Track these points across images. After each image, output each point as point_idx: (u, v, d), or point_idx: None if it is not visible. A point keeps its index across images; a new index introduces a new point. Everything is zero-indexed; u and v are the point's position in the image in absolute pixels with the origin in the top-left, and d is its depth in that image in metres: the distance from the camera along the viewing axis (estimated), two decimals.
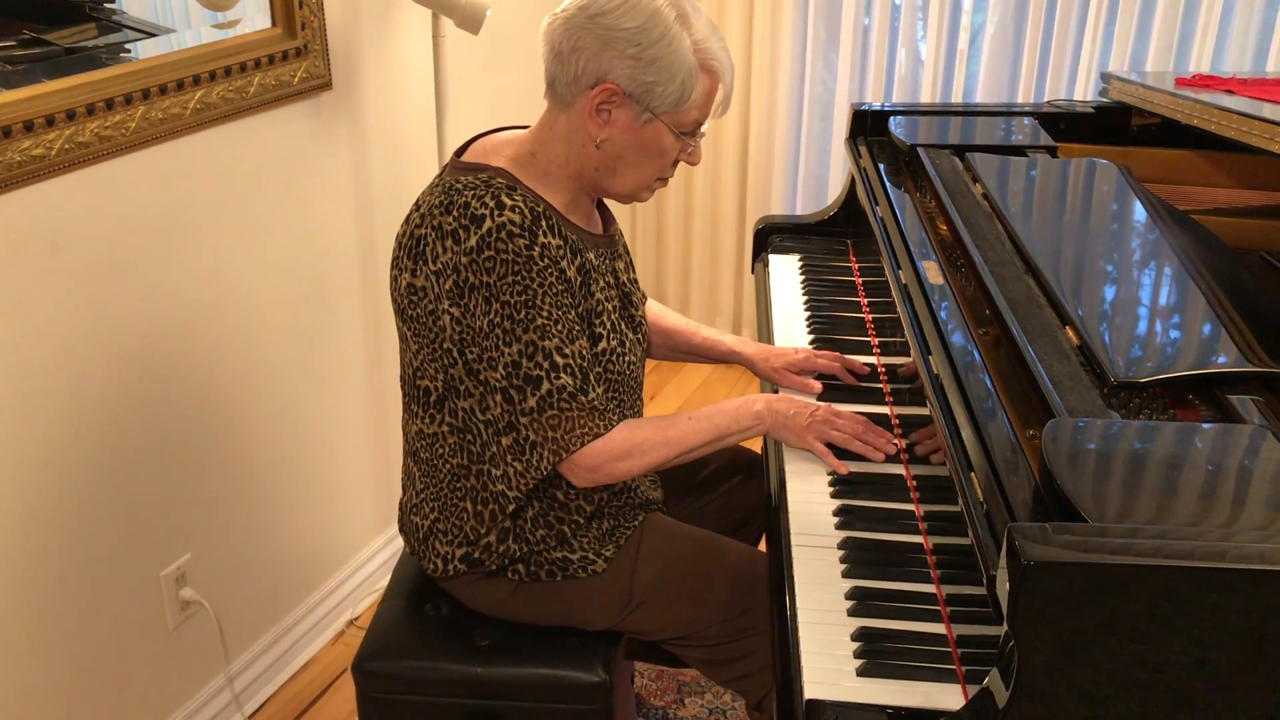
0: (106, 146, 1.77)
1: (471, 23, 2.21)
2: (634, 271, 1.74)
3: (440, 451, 1.60)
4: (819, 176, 3.51)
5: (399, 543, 2.71)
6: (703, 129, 1.57)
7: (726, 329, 3.72)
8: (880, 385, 1.79)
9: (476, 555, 1.62)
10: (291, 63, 2.10)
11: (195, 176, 1.97)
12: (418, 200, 1.56)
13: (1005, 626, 1.01)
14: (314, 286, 2.31)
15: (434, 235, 1.48)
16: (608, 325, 1.58)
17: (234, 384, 2.15)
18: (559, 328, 1.47)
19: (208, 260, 2.03)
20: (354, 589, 2.59)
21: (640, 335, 1.70)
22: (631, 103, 1.48)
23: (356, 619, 2.57)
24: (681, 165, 1.63)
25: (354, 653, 2.42)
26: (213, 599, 2.16)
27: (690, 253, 3.68)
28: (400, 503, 1.73)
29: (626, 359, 1.63)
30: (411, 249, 1.51)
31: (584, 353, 1.50)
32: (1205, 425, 1.20)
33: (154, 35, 1.88)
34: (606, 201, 1.69)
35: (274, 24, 2.07)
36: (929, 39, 3.18)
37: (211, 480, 2.13)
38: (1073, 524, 1.02)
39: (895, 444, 1.60)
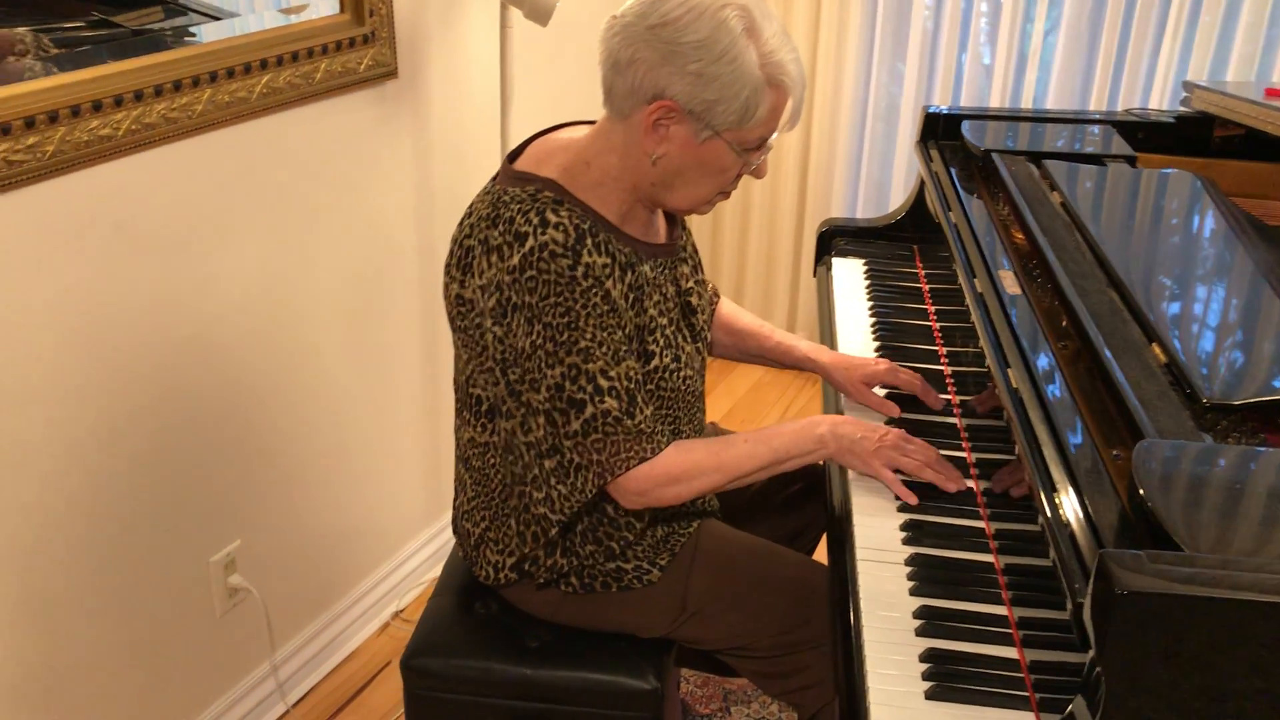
0: (173, 129, 1.76)
1: (541, 14, 2.18)
2: (701, 273, 1.69)
3: (492, 461, 1.57)
4: (881, 183, 3.45)
5: (446, 536, 2.69)
6: (768, 143, 1.49)
7: None
8: (955, 421, 1.72)
9: (527, 567, 1.59)
10: (358, 49, 2.08)
11: (259, 161, 1.96)
12: (471, 205, 1.51)
13: (1092, 654, 0.96)
14: (372, 274, 2.29)
15: (480, 249, 1.44)
16: (661, 342, 1.52)
17: (289, 371, 2.13)
18: (603, 350, 1.41)
19: (268, 245, 2.02)
20: (400, 581, 2.58)
21: (701, 344, 1.65)
22: (691, 119, 1.40)
23: (402, 611, 2.56)
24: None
25: (399, 645, 2.42)
26: (261, 586, 2.15)
27: (746, 254, 3.64)
28: (453, 504, 1.70)
29: (683, 374, 1.57)
30: (461, 259, 1.47)
31: (631, 374, 1.44)
32: None
33: (218, 19, 1.86)
34: None
35: (342, 10, 2.05)
36: (999, 44, 3.11)
37: (263, 467, 2.12)
38: (1168, 553, 0.97)
39: (968, 484, 1.52)
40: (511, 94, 2.37)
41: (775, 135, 1.48)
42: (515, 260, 1.40)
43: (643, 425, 1.44)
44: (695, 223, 3.68)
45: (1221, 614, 0.93)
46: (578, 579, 1.59)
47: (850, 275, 2.20)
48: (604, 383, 1.41)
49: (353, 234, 2.22)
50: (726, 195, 1.54)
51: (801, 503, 1.87)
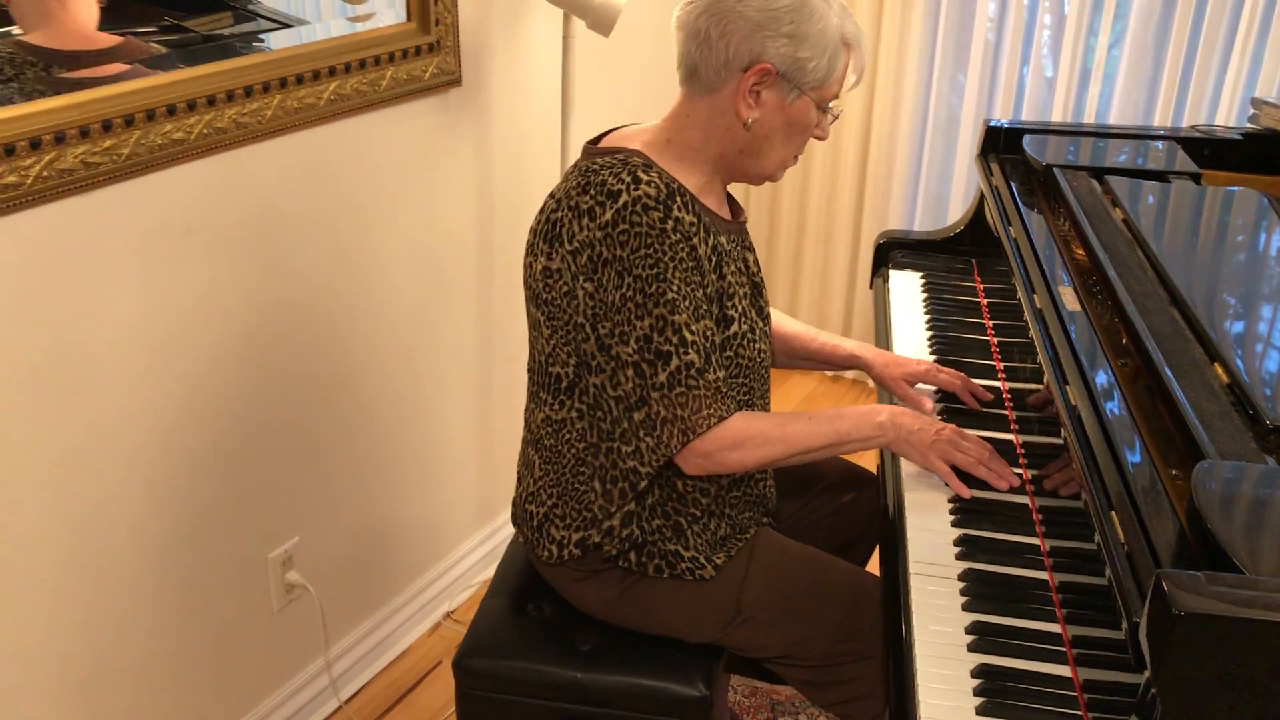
0: (243, 133, 1.80)
1: (603, 25, 2.20)
2: (761, 270, 1.72)
3: (567, 436, 1.59)
4: (939, 197, 3.43)
5: (499, 537, 2.72)
6: (835, 105, 1.58)
7: None
8: (1005, 412, 1.74)
9: (595, 539, 1.60)
10: (424, 58, 2.12)
11: (325, 166, 2.00)
12: (552, 191, 1.57)
13: (1148, 675, 0.96)
14: (432, 280, 2.33)
15: (570, 216, 1.49)
16: (739, 309, 1.57)
17: (350, 372, 2.17)
18: (687, 304, 1.47)
19: (333, 249, 2.05)
20: (452, 582, 2.61)
21: (768, 326, 1.69)
22: (782, 82, 1.50)
23: (453, 612, 2.58)
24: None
25: (450, 645, 2.44)
26: (316, 584, 2.19)
27: (801, 263, 3.64)
28: (515, 496, 1.72)
29: (757, 345, 1.62)
30: (547, 233, 1.52)
31: (709, 333, 1.49)
32: None
33: (287, 26, 1.90)
34: (733, 193, 1.69)
35: (409, 18, 2.09)
36: (1062, 57, 3.08)
37: (322, 467, 2.16)
38: (1226, 574, 0.96)
39: (1020, 477, 1.55)
40: (573, 103, 2.39)
41: (842, 95, 1.59)
42: (608, 216, 1.46)
43: (719, 384, 1.48)
44: (751, 231, 3.68)
45: None
46: (636, 555, 1.60)
47: (907, 288, 2.20)
48: (688, 335, 1.46)
49: (414, 239, 2.25)
50: (795, 160, 1.63)
51: (853, 515, 1.87)
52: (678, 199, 1.47)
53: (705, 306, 1.50)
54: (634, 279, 1.45)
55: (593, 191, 1.47)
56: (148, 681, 1.89)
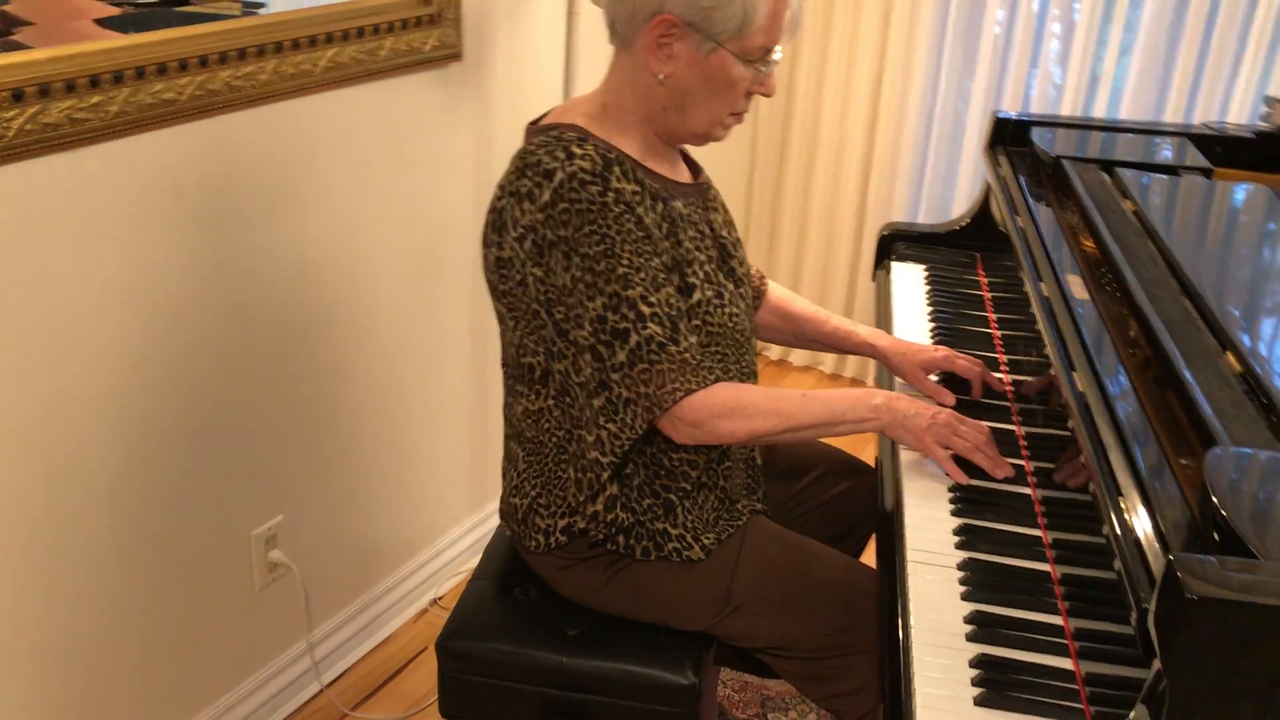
0: (236, 97, 1.75)
1: None
2: (735, 231, 1.67)
3: (547, 426, 1.55)
4: (943, 198, 3.40)
5: (488, 525, 2.68)
6: (774, 56, 1.50)
7: None
8: (1008, 404, 1.70)
9: (581, 525, 1.56)
10: (424, 29, 2.08)
11: (319, 135, 1.95)
12: (499, 179, 1.53)
13: (1156, 666, 0.92)
14: (426, 259, 2.28)
15: (512, 202, 1.46)
16: (701, 275, 1.52)
17: (340, 349, 2.13)
18: (641, 275, 1.42)
19: (323, 222, 2.01)
20: (440, 568, 2.56)
21: (744, 289, 1.64)
22: (692, 33, 1.44)
23: (440, 599, 2.54)
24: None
25: (435, 631, 2.40)
26: (300, 564, 2.15)
27: (803, 255, 3.61)
28: (501, 493, 1.68)
29: (727, 310, 1.56)
30: (494, 223, 1.49)
31: (671, 301, 1.44)
32: None
33: None
34: (692, 154, 1.65)
35: None
36: (1071, 64, 3.04)
37: (310, 444, 2.12)
38: (1239, 559, 0.92)
39: (1022, 469, 1.51)
40: (576, 82, 2.35)
41: (779, 48, 1.50)
42: (546, 197, 1.41)
43: (688, 354, 1.44)
44: (754, 221, 3.65)
45: None
46: (625, 538, 1.56)
47: (910, 280, 2.16)
48: (645, 309, 1.41)
49: (409, 216, 2.21)
50: (739, 118, 1.55)
51: (847, 505, 1.84)
52: (615, 169, 1.43)
53: (663, 275, 1.45)
54: (581, 258, 1.40)
55: (529, 173, 1.43)
56: (121, 658, 1.85)
